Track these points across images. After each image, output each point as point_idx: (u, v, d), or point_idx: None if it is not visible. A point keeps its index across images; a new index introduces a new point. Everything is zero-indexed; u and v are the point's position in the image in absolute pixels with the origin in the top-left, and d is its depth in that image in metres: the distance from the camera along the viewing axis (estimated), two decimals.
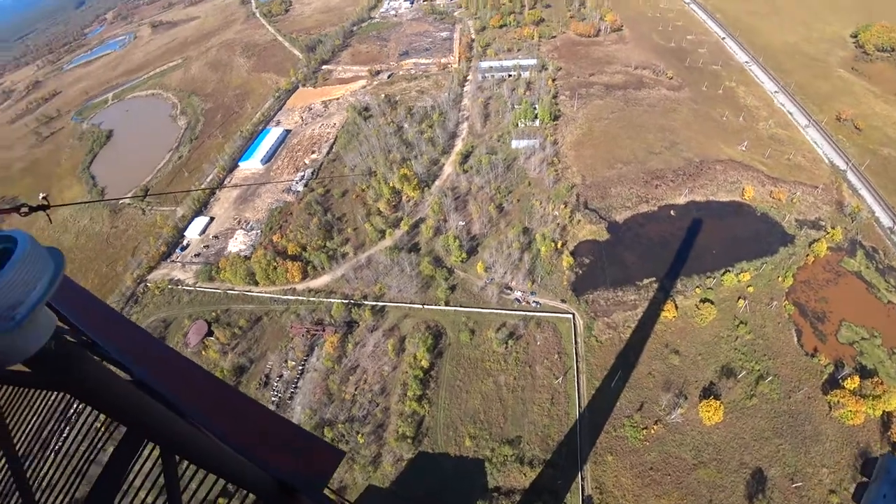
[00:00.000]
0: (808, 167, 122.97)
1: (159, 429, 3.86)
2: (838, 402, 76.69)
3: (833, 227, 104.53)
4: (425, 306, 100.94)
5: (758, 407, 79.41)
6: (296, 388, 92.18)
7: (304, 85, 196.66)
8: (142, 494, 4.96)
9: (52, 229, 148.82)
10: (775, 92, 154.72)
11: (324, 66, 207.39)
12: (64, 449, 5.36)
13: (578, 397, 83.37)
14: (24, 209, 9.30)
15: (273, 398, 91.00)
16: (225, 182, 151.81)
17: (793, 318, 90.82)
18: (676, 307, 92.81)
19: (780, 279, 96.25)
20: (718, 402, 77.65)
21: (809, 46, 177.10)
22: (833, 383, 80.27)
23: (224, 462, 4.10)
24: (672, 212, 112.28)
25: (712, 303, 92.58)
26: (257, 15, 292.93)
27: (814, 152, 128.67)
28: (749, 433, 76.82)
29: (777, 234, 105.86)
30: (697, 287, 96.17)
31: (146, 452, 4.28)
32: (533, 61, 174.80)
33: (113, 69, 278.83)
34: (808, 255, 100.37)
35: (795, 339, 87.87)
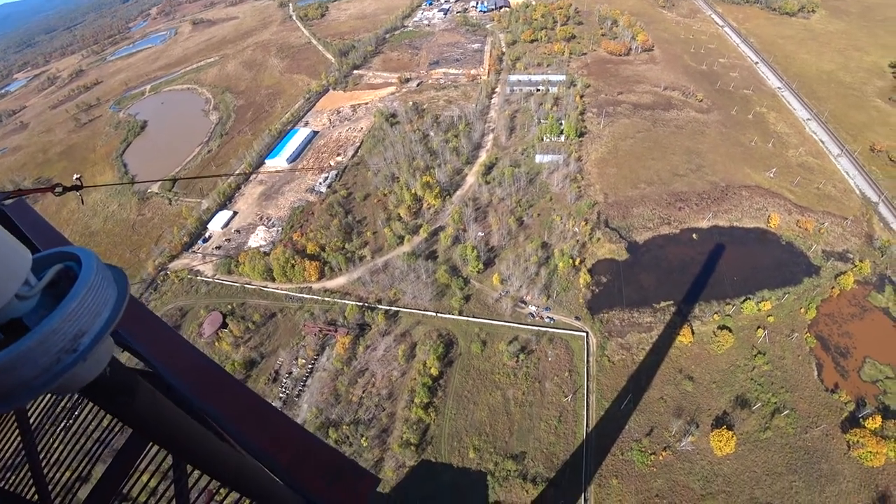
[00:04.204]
0: (838, 197, 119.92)
1: (210, 460, 3.67)
2: (858, 441, 73.87)
3: (861, 261, 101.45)
4: (438, 314, 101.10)
5: (772, 440, 77.08)
6: (304, 386, 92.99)
7: (334, 88, 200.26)
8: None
9: (82, 213, 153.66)
10: (807, 119, 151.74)
11: (355, 71, 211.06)
12: (74, 428, 5.34)
13: (587, 417, 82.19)
14: (59, 189, 9.67)
15: (281, 394, 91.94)
16: (250, 180, 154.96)
17: (814, 352, 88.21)
18: (693, 332, 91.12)
19: (802, 310, 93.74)
20: (731, 432, 75.69)
21: (846, 75, 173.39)
22: (853, 422, 77.47)
23: (262, 486, 3.93)
24: (694, 235, 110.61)
25: (730, 330, 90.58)
26: (294, 18, 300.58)
27: (845, 182, 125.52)
28: (761, 467, 74.58)
29: (802, 265, 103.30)
30: (716, 313, 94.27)
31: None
32: (562, 77, 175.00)
33: (152, 62, 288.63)
34: (833, 287, 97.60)
35: (816, 373, 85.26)
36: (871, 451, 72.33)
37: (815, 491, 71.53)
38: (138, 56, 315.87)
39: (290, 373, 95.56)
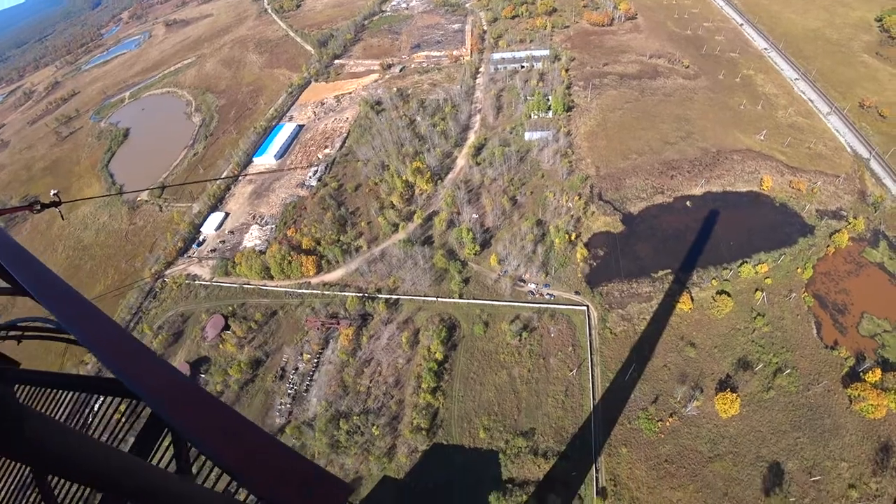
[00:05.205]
0: (830, 156, 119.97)
1: (137, 487, 3.29)
2: (859, 395, 75.10)
3: (855, 217, 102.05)
4: (439, 299, 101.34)
5: (775, 400, 78.30)
6: (311, 380, 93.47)
7: (316, 80, 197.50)
8: None
9: (74, 227, 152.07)
10: (795, 79, 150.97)
11: (336, 61, 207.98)
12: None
13: (593, 389, 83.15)
14: (37, 206, 9.44)
15: (289, 391, 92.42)
16: (239, 180, 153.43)
17: (812, 311, 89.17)
18: (692, 299, 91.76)
19: (799, 270, 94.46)
20: (735, 394, 76.76)
21: (832, 32, 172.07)
22: (854, 376, 78.69)
23: None
24: (688, 203, 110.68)
25: (729, 295, 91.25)
26: (269, 11, 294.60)
27: (835, 140, 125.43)
28: (766, 426, 75.85)
29: (796, 225, 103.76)
30: (714, 279, 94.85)
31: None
32: (546, 52, 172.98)
33: (129, 68, 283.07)
34: (828, 245, 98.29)
35: (815, 331, 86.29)
36: (872, 404, 73.62)
37: (820, 446, 72.94)
38: (114, 63, 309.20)
39: (297, 368, 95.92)
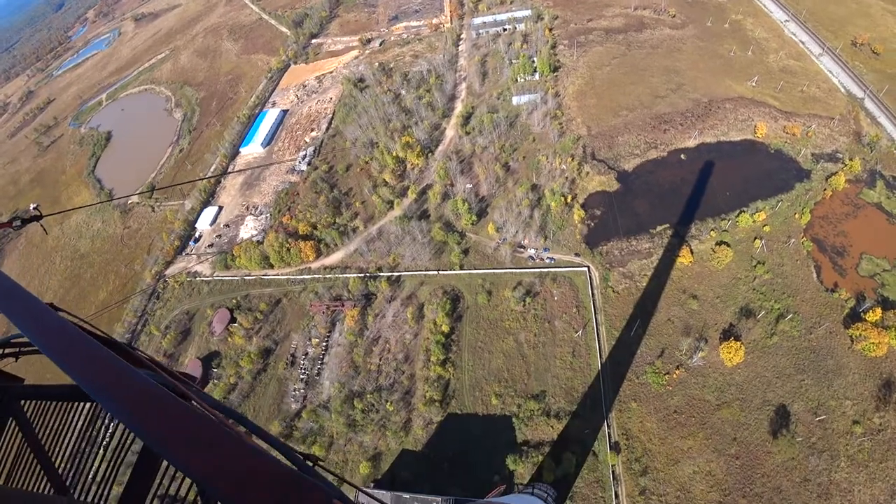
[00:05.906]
0: (824, 98, 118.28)
1: None
2: (860, 334, 76.16)
3: (851, 159, 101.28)
4: (440, 272, 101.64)
5: (779, 345, 79.47)
6: (322, 363, 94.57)
7: (295, 62, 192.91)
8: None
9: (69, 237, 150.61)
10: (785, 21, 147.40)
11: (313, 41, 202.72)
12: (104, 449, 5.33)
13: (599, 348, 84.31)
14: (17, 222, 8.96)
15: (302, 376, 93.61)
16: (228, 169, 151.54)
17: (811, 255, 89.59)
18: (692, 252, 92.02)
19: (796, 216, 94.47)
20: (739, 343, 77.81)
21: None
22: (854, 317, 79.61)
23: None
24: (682, 156, 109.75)
25: (728, 245, 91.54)
26: None
27: (829, 82, 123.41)
28: (771, 371, 77.21)
29: (792, 171, 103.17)
30: (712, 230, 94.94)
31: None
32: (527, 12, 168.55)
33: (102, 69, 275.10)
34: (825, 189, 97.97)
35: (815, 275, 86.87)
36: (873, 343, 74.76)
37: (824, 386, 74.42)
38: (86, 65, 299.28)
39: (307, 354, 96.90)
